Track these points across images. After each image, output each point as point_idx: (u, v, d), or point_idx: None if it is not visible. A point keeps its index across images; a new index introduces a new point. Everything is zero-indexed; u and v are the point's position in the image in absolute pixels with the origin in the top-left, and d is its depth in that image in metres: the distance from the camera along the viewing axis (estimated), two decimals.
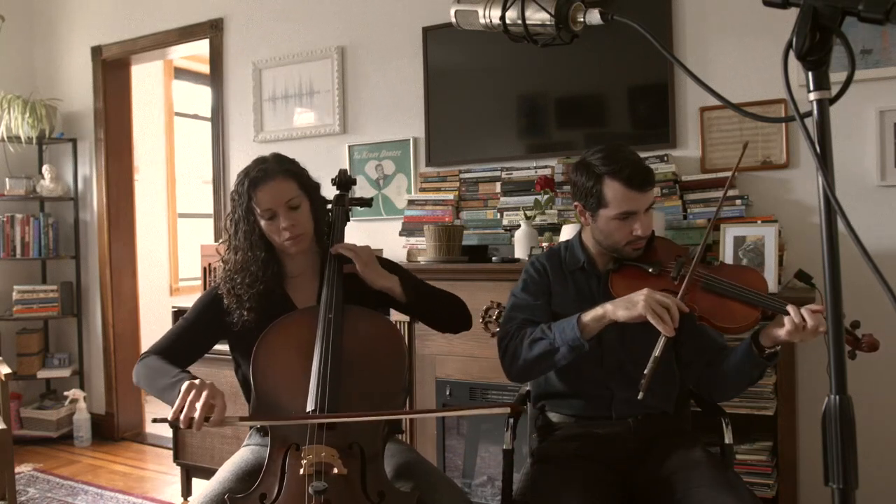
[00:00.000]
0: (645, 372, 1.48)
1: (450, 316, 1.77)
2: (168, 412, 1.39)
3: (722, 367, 1.65)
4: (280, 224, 1.61)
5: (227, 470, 1.60)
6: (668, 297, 1.50)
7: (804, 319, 1.46)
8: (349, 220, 1.82)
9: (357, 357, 1.54)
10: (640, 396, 1.49)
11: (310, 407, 1.44)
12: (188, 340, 1.68)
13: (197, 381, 1.40)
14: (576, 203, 1.74)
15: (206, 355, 1.72)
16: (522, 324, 1.69)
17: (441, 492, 1.52)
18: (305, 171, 1.71)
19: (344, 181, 1.86)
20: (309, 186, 1.69)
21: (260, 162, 1.67)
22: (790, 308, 1.49)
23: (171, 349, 1.63)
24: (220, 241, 1.76)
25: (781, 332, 1.49)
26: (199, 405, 1.35)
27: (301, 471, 1.36)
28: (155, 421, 1.42)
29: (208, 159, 3.93)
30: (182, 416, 1.35)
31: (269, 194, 1.61)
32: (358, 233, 1.79)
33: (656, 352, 1.48)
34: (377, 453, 1.48)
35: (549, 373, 1.75)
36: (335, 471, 1.35)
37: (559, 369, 1.71)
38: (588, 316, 1.56)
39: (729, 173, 2.47)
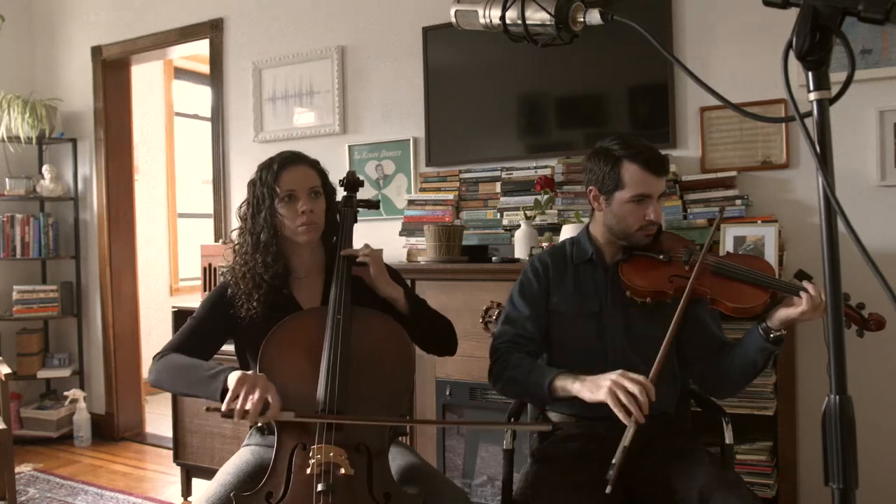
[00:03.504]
0: (613, 461, 1.41)
1: (441, 337, 1.78)
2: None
3: (726, 360, 1.66)
4: (299, 207, 1.62)
5: (227, 472, 1.59)
6: (638, 384, 1.42)
7: (821, 295, 1.46)
8: (356, 222, 1.82)
9: (365, 358, 1.54)
10: (608, 490, 1.39)
11: (318, 407, 1.44)
12: (200, 338, 1.67)
13: (249, 374, 1.40)
14: (590, 188, 1.75)
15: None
16: (511, 343, 1.73)
17: (445, 495, 1.52)
18: (328, 176, 1.75)
19: (352, 182, 1.85)
20: (328, 189, 1.74)
21: (290, 151, 1.71)
22: (808, 285, 1.51)
23: (185, 347, 1.62)
24: (232, 231, 1.76)
25: (794, 312, 1.51)
26: (254, 398, 1.36)
27: (308, 470, 1.36)
28: (208, 410, 1.41)
29: (208, 159, 3.92)
30: (238, 408, 1.35)
31: (296, 175, 1.65)
32: (357, 233, 1.79)
33: (625, 442, 1.41)
34: (383, 454, 1.48)
35: None
36: (342, 471, 1.36)
37: (561, 368, 1.71)
38: (559, 381, 1.57)
39: (729, 173, 2.51)
